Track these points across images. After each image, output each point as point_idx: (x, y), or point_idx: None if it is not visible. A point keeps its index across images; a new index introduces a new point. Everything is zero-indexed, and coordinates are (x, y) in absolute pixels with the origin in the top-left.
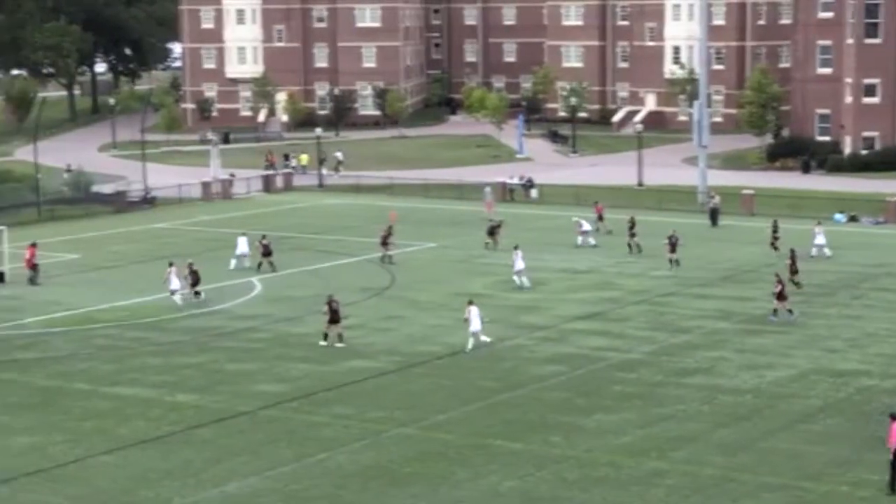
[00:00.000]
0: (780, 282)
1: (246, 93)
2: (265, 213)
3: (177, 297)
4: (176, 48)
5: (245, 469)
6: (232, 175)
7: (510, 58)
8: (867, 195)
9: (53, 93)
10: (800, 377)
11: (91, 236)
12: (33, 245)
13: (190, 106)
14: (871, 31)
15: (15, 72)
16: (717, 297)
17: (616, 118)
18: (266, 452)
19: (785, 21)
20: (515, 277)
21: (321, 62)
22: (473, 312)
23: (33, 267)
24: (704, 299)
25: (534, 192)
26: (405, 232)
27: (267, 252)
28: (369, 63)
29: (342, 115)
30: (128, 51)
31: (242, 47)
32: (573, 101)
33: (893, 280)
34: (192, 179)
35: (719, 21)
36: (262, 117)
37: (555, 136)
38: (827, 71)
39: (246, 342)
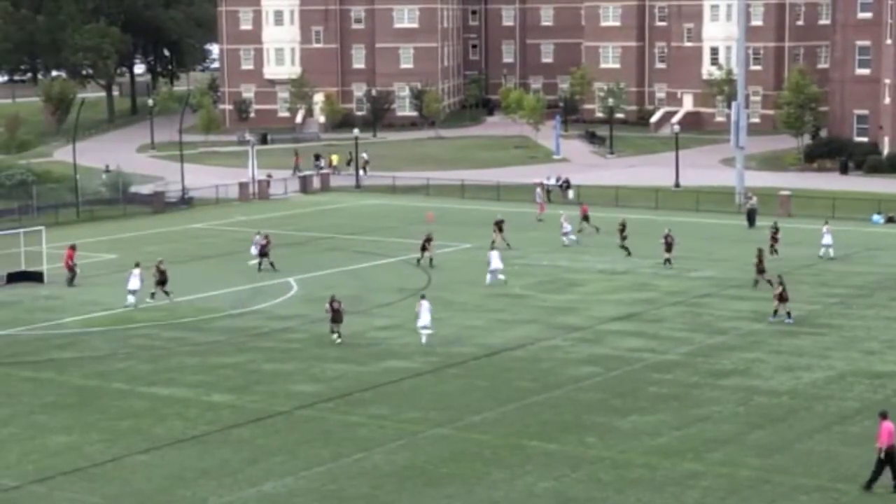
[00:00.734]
0: (781, 283)
1: (283, 94)
2: (302, 214)
3: (131, 298)
4: (214, 49)
5: (281, 469)
6: (269, 176)
7: (547, 59)
8: None
9: (92, 94)
10: (837, 379)
11: (129, 236)
12: (72, 247)
13: (228, 107)
14: None
15: (54, 73)
16: (754, 298)
17: (653, 119)
18: (302, 452)
19: (823, 21)
20: (489, 276)
21: (359, 63)
22: (424, 307)
23: (71, 268)
24: (741, 300)
25: (570, 193)
26: (442, 233)
27: (263, 253)
28: (407, 64)
29: (379, 115)
30: (166, 52)
31: (280, 48)
32: (610, 101)
33: None
34: (230, 180)
35: (757, 22)
36: (299, 118)
37: (592, 137)
38: (865, 72)
39: (283, 342)
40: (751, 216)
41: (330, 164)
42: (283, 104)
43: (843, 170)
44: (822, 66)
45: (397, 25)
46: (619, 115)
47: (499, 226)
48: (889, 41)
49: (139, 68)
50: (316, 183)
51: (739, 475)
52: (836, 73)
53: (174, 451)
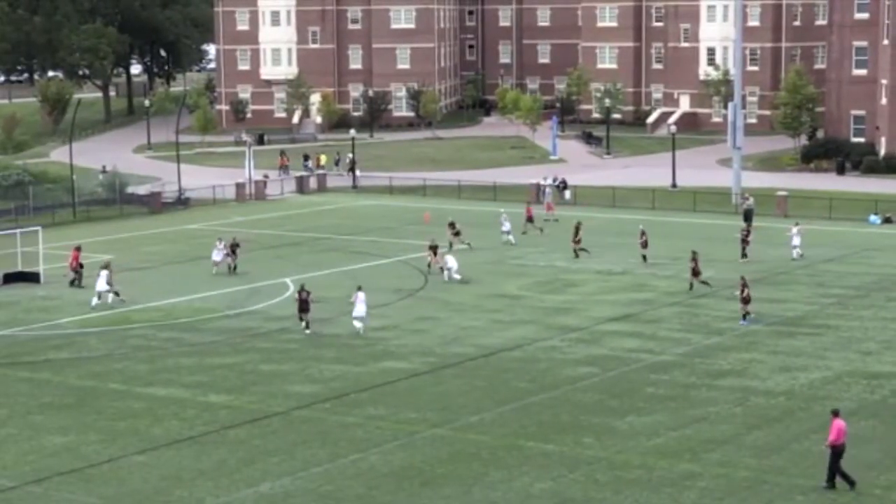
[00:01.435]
0: (744, 285)
1: (280, 94)
2: (299, 214)
3: (95, 298)
4: (211, 50)
5: (278, 469)
6: (266, 176)
7: (544, 59)
8: None
9: (89, 94)
10: (834, 379)
11: (125, 237)
12: (78, 248)
13: (224, 107)
14: None
15: (51, 73)
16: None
17: (650, 119)
18: (299, 453)
19: (820, 22)
20: (447, 273)
21: (355, 63)
22: (359, 298)
23: (76, 269)
24: (738, 301)
25: (567, 194)
26: (439, 233)
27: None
28: (404, 64)
29: (376, 116)
30: (163, 52)
31: (277, 49)
32: (607, 102)
33: None
34: (227, 180)
35: (754, 22)
36: (296, 119)
37: (589, 138)
38: (862, 72)
39: (279, 343)
40: (747, 216)
41: (318, 165)
42: (279, 105)
43: (840, 170)
44: (818, 66)
45: (394, 26)
46: (616, 116)
47: (452, 227)
48: (886, 42)
49: (136, 69)
50: (312, 183)
51: (736, 476)
52: (833, 73)
53: (171, 451)
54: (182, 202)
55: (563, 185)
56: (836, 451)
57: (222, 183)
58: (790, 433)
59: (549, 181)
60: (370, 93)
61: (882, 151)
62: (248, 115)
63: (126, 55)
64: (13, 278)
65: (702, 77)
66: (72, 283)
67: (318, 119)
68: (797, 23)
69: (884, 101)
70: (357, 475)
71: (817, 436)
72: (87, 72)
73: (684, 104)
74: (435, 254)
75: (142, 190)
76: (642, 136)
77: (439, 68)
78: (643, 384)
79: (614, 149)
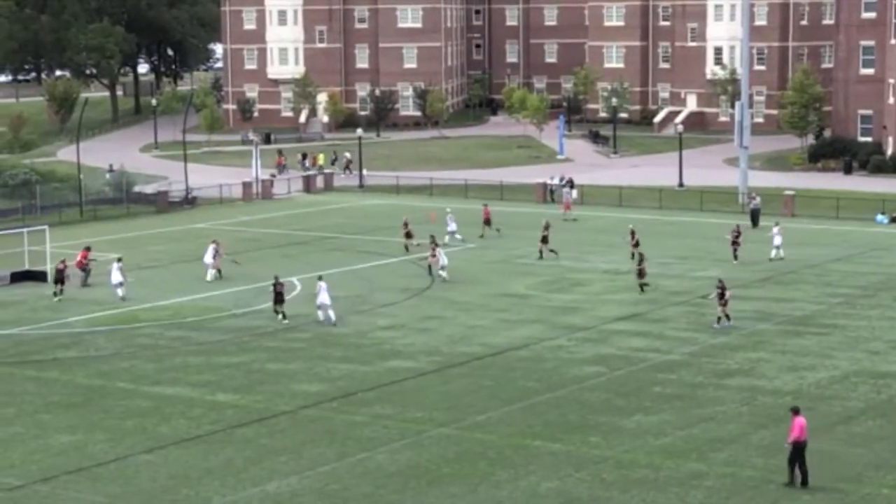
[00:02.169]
0: (723, 289)
1: (287, 93)
2: (305, 214)
3: (119, 291)
4: (218, 49)
5: (285, 468)
6: (273, 175)
7: (551, 58)
8: None
9: (96, 93)
10: (841, 379)
11: (133, 236)
12: (87, 248)
13: (231, 106)
14: None
15: (58, 73)
16: (758, 298)
17: (657, 119)
18: (306, 452)
19: (827, 21)
20: (442, 272)
21: (362, 63)
22: (322, 287)
23: (84, 268)
24: (745, 300)
25: (574, 193)
26: (445, 233)
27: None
28: (410, 64)
29: (383, 115)
30: (170, 51)
31: (284, 48)
32: (614, 101)
33: None
34: (234, 180)
35: (761, 21)
36: (303, 118)
37: (596, 137)
38: (869, 71)
39: (286, 342)
40: (754, 216)
41: (314, 164)
42: (286, 104)
43: (847, 170)
44: (826, 65)
45: (401, 25)
46: (623, 115)
47: (405, 227)
48: (893, 41)
49: (143, 68)
50: (319, 182)
51: (743, 475)
52: (840, 72)
53: (178, 450)
54: (189, 201)
55: (570, 185)
56: (798, 448)
57: (229, 182)
58: None
59: (556, 180)
60: (377, 92)
61: (889, 151)
62: (255, 115)
63: (133, 54)
64: (20, 277)
65: (709, 76)
66: (83, 281)
67: (325, 118)
68: (804, 22)
69: (891, 100)
70: (364, 474)
71: (824, 435)
72: (94, 71)
73: (691, 103)
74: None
75: (149, 189)
76: (649, 136)
77: (446, 67)
78: (650, 383)
79: (621, 148)
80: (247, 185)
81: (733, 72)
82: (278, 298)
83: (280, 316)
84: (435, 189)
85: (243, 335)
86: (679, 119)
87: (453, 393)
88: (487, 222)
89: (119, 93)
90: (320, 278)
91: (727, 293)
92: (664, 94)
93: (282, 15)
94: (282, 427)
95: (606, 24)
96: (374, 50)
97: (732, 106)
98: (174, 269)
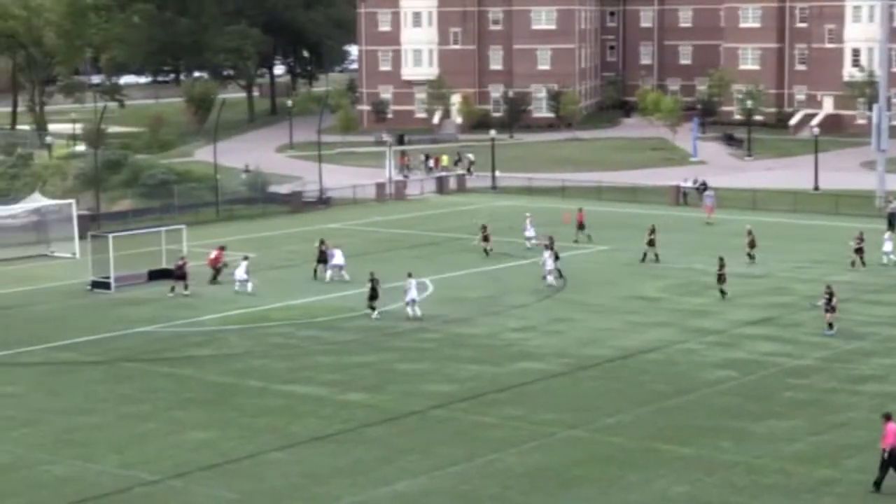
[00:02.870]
0: (831, 294)
1: (421, 95)
2: (438, 215)
3: (248, 286)
4: (353, 51)
5: (415, 468)
6: (405, 176)
7: (685, 60)
8: None
9: (233, 95)
10: None
11: (267, 235)
12: (222, 248)
13: (366, 108)
14: None
15: (196, 74)
16: (892, 303)
17: (793, 121)
18: (436, 452)
19: None
20: (549, 277)
21: (496, 64)
22: (412, 284)
23: (216, 267)
24: (880, 305)
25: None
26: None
27: (322, 259)
28: (544, 65)
29: (516, 117)
30: (306, 53)
31: (418, 49)
32: (749, 104)
33: None
34: (367, 180)
35: None
36: (436, 119)
37: (730, 140)
38: None
39: (417, 342)
40: (891, 219)
41: (437, 165)
42: (420, 105)
43: None
44: None
45: (535, 27)
46: (758, 118)
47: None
48: None
49: (279, 69)
50: (452, 183)
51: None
52: None
53: (309, 448)
54: (323, 202)
55: (704, 188)
56: (894, 455)
57: (362, 183)
58: None
59: (690, 183)
60: (510, 94)
61: None
62: (389, 116)
63: (270, 56)
64: (158, 275)
65: (846, 78)
66: (212, 279)
67: (459, 120)
68: None
69: None
70: (493, 475)
71: None
72: (231, 72)
73: (828, 106)
74: (485, 239)
75: (283, 189)
76: (784, 138)
77: (579, 69)
78: (782, 388)
79: (755, 151)
80: (380, 186)
81: (871, 74)
82: (373, 294)
83: (373, 312)
84: (567, 191)
85: (374, 335)
86: (815, 122)
87: (583, 395)
88: (581, 226)
89: (255, 94)
90: (410, 275)
91: (835, 300)
92: (800, 97)
93: (416, 17)
94: (411, 427)
95: (742, 25)
96: (508, 51)
97: (870, 108)
98: (307, 268)
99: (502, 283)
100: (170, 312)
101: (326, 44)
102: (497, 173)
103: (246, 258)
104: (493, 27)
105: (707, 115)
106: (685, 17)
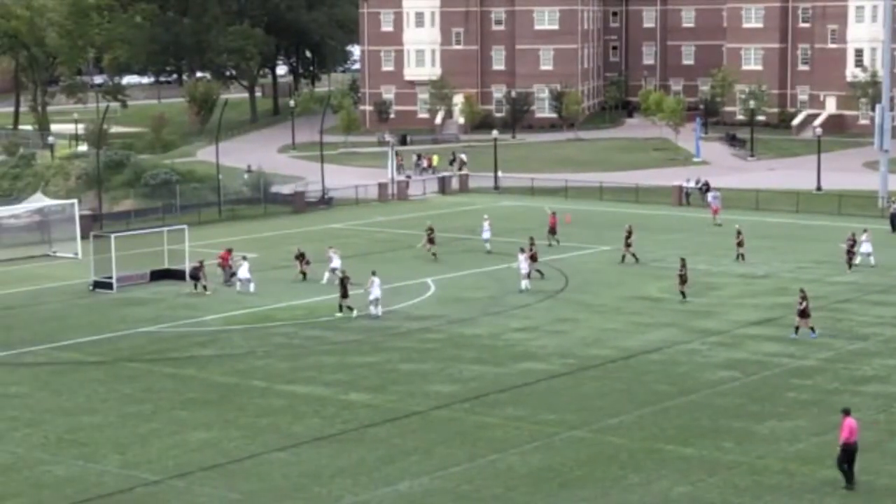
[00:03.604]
0: (804, 298)
1: (423, 95)
2: (440, 215)
3: (251, 286)
4: (355, 51)
5: (417, 468)
6: (408, 176)
7: (688, 60)
8: None
9: (235, 95)
10: None
11: (269, 236)
12: (228, 250)
13: (368, 108)
14: None
15: (199, 74)
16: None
17: (795, 122)
18: (438, 452)
19: None
20: (523, 283)
21: (498, 65)
22: (375, 283)
23: (228, 267)
24: (883, 306)
25: (709, 196)
26: (579, 235)
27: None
28: (546, 66)
29: (519, 117)
30: (308, 53)
31: (421, 50)
32: (752, 104)
33: None
34: (369, 181)
35: None
36: (438, 119)
37: (732, 140)
38: None
39: (419, 342)
40: (894, 221)
41: (429, 164)
42: (422, 105)
43: None
44: None
45: (537, 27)
46: (761, 118)
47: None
48: None
49: (281, 69)
50: (454, 184)
51: (879, 484)
52: None
53: (311, 448)
54: (325, 202)
55: (706, 188)
56: (848, 450)
57: (365, 183)
58: None
59: (692, 183)
60: (513, 94)
61: None
62: (392, 116)
63: (272, 56)
64: (160, 276)
65: (849, 79)
66: (227, 280)
67: (461, 120)
68: None
69: None
70: (495, 475)
71: None
72: (233, 73)
73: (830, 106)
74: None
75: (286, 189)
76: (787, 139)
77: (582, 69)
78: (785, 389)
79: (758, 151)
80: (382, 186)
81: (874, 74)
82: (344, 293)
83: (342, 309)
84: (570, 191)
85: (377, 335)
86: (818, 122)
87: (586, 396)
88: (553, 231)
89: (258, 94)
90: (374, 273)
91: (806, 304)
92: (803, 97)
93: (419, 17)
94: (414, 427)
95: (745, 25)
96: (511, 52)
97: (873, 109)
98: (310, 268)
99: (504, 284)
100: (172, 312)
101: (329, 44)
102: (499, 174)
103: (244, 258)
104: (495, 27)
105: (710, 115)
106: (688, 18)
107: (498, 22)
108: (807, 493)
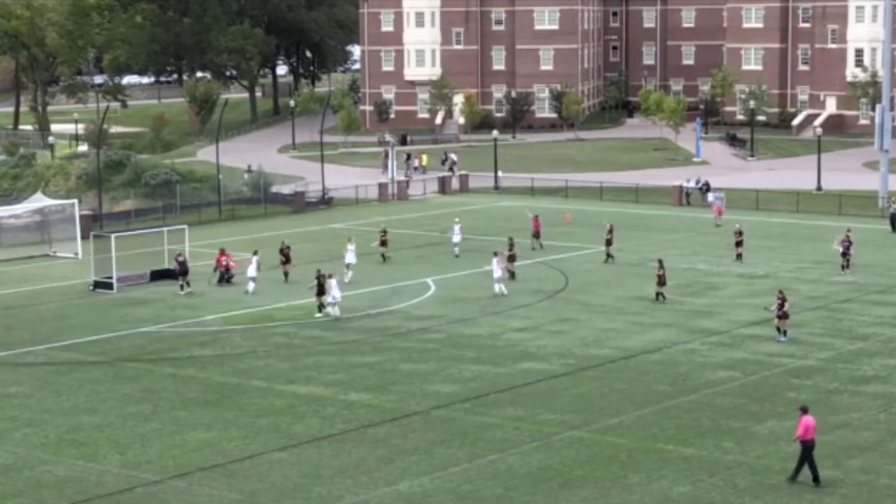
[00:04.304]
0: (783, 300)
1: (423, 95)
2: (440, 215)
3: (251, 285)
4: (355, 51)
5: (417, 468)
6: (407, 175)
7: (688, 60)
8: None
9: (235, 95)
10: None
11: (269, 235)
12: (222, 251)
13: (368, 108)
14: None
15: (199, 74)
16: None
17: (796, 122)
18: (438, 452)
19: None
20: (497, 287)
21: (498, 65)
22: (333, 284)
23: (225, 268)
24: (883, 306)
25: (710, 196)
26: (580, 235)
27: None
28: (547, 66)
29: (519, 117)
30: (308, 53)
31: (421, 50)
32: (752, 104)
33: None
34: (369, 180)
35: None
36: (439, 119)
37: (733, 140)
38: None
39: (419, 342)
40: (894, 221)
41: (420, 164)
42: (422, 105)
43: None
44: None
45: (538, 27)
46: (761, 118)
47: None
48: None
49: (281, 69)
50: (454, 184)
51: (879, 483)
52: None
53: (311, 448)
54: (325, 202)
55: (707, 188)
56: (807, 447)
57: (365, 183)
58: None
59: (693, 184)
60: (513, 94)
61: None
62: (392, 116)
63: (272, 56)
64: (160, 275)
65: (849, 79)
66: (220, 280)
67: (461, 120)
68: None
69: None
70: (495, 475)
71: None
72: (234, 73)
73: (830, 106)
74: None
75: (286, 189)
76: (787, 139)
77: (582, 69)
78: (785, 389)
79: (758, 151)
80: (382, 186)
81: (874, 74)
82: (320, 291)
83: (320, 309)
84: (570, 191)
85: (377, 335)
86: (818, 122)
87: (585, 396)
88: (537, 235)
89: (258, 94)
90: (330, 276)
91: (786, 305)
92: (803, 97)
93: (419, 17)
94: (414, 427)
95: (745, 25)
96: (511, 52)
97: (873, 109)
98: (310, 268)
99: (505, 284)
100: (172, 312)
101: (329, 44)
102: (499, 174)
103: (255, 253)
104: (495, 27)
105: (710, 115)
106: (688, 18)
107: (498, 22)
108: (807, 493)
